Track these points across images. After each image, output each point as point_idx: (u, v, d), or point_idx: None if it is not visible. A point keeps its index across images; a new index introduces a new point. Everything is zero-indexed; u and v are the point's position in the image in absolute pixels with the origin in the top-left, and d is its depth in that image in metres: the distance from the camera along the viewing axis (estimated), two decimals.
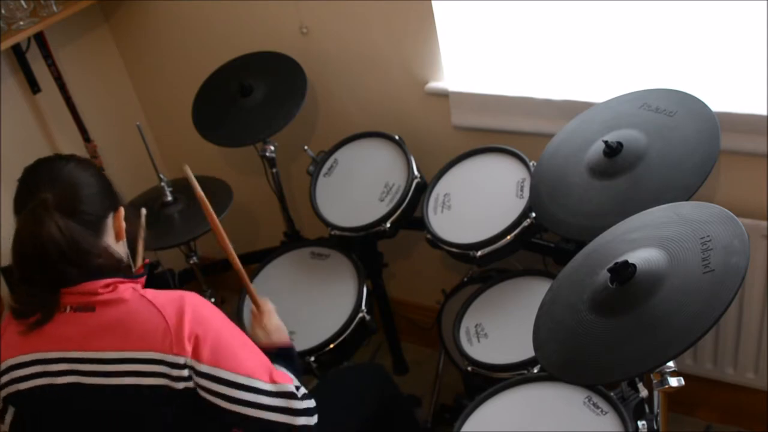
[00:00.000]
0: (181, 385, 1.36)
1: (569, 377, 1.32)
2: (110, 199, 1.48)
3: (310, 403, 1.46)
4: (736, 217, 1.21)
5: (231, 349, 1.40)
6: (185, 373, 1.36)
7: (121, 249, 1.50)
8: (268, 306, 1.69)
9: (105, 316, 1.39)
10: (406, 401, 2.01)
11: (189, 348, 1.35)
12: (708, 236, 1.19)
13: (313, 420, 1.46)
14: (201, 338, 1.37)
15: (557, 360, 1.27)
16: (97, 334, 1.38)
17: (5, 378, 1.42)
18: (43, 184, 1.40)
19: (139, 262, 1.61)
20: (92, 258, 1.39)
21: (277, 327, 1.67)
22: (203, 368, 1.36)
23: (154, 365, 1.35)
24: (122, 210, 1.49)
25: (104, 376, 1.37)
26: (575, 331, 1.25)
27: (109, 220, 1.46)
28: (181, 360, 1.35)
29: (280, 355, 1.60)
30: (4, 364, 1.42)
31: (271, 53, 2.29)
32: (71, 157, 1.49)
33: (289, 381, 1.44)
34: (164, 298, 1.41)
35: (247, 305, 2.15)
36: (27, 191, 1.41)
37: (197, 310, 1.40)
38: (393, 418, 1.90)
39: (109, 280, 1.40)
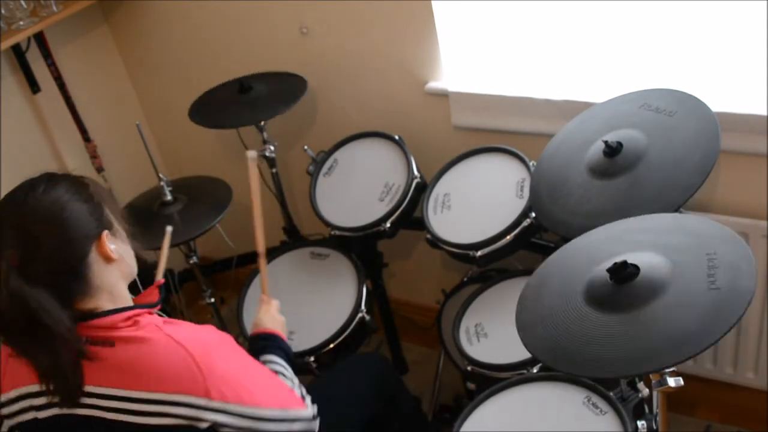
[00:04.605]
0: (204, 425, 1.32)
1: (551, 362, 1.29)
2: (89, 230, 1.34)
3: (315, 409, 1.49)
4: (744, 241, 1.20)
5: (261, 384, 1.40)
6: (224, 418, 1.32)
7: (113, 273, 1.38)
8: (276, 301, 1.78)
9: (126, 352, 1.33)
10: (408, 393, 2.01)
11: (224, 390, 1.32)
12: (714, 252, 1.19)
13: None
14: (230, 378, 1.34)
15: (541, 343, 1.27)
16: (117, 371, 1.32)
17: (15, 407, 1.38)
18: (7, 235, 1.29)
19: (159, 276, 1.59)
20: (54, 333, 1.28)
21: (282, 321, 1.73)
22: (240, 409, 1.33)
23: (182, 408, 1.31)
24: (104, 235, 1.36)
25: (126, 413, 1.32)
26: (564, 318, 1.26)
27: (92, 255, 1.34)
28: (217, 404, 1.31)
29: (281, 347, 1.63)
30: (13, 393, 1.38)
31: (275, 73, 2.29)
32: (46, 184, 1.33)
33: (303, 405, 1.46)
34: (190, 336, 1.35)
35: (247, 307, 2.16)
36: None
37: (223, 347, 1.38)
38: (397, 409, 1.89)
39: (129, 313, 1.35)
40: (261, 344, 1.65)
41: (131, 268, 1.45)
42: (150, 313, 1.39)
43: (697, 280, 1.16)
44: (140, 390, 1.32)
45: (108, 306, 1.36)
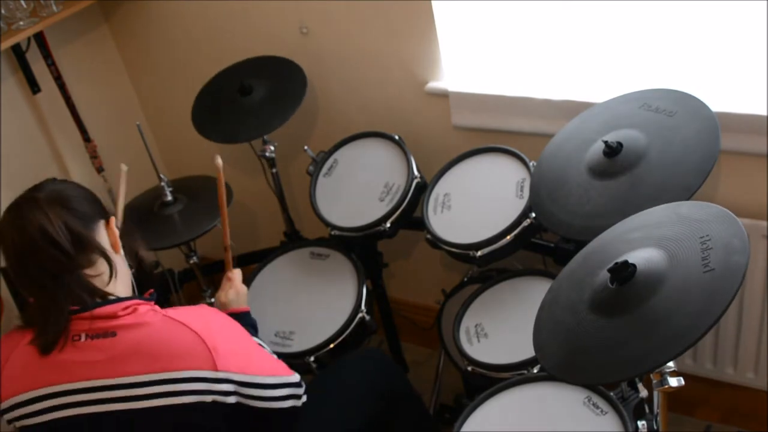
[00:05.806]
0: (231, 399, 1.40)
1: (569, 377, 1.32)
2: (100, 208, 1.49)
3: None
4: (735, 216, 1.21)
5: (256, 354, 1.49)
6: (229, 387, 1.39)
7: (120, 262, 1.49)
8: (237, 271, 1.84)
9: (129, 339, 1.36)
10: (410, 386, 2.00)
11: (227, 361, 1.38)
12: (707, 235, 1.19)
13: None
14: (231, 350, 1.41)
15: (558, 360, 1.27)
16: (123, 359, 1.35)
17: (14, 414, 1.39)
18: (32, 191, 1.42)
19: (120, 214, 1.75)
20: (89, 247, 1.39)
21: (245, 292, 1.82)
22: (243, 378, 1.41)
23: (194, 383, 1.36)
24: (113, 219, 1.49)
25: (136, 400, 1.35)
26: (575, 331, 1.25)
27: (101, 225, 1.46)
28: (222, 375, 1.37)
29: (251, 324, 1.73)
30: (12, 400, 1.38)
31: (273, 57, 2.29)
32: (55, 179, 1.51)
33: (291, 372, 1.56)
34: (188, 315, 1.43)
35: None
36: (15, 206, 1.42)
37: (219, 322, 1.47)
38: (400, 404, 1.88)
39: (127, 303, 1.39)
40: None
41: (128, 276, 1.52)
42: (150, 304, 1.45)
43: (692, 266, 1.17)
44: (148, 373, 1.35)
45: (109, 285, 1.42)
